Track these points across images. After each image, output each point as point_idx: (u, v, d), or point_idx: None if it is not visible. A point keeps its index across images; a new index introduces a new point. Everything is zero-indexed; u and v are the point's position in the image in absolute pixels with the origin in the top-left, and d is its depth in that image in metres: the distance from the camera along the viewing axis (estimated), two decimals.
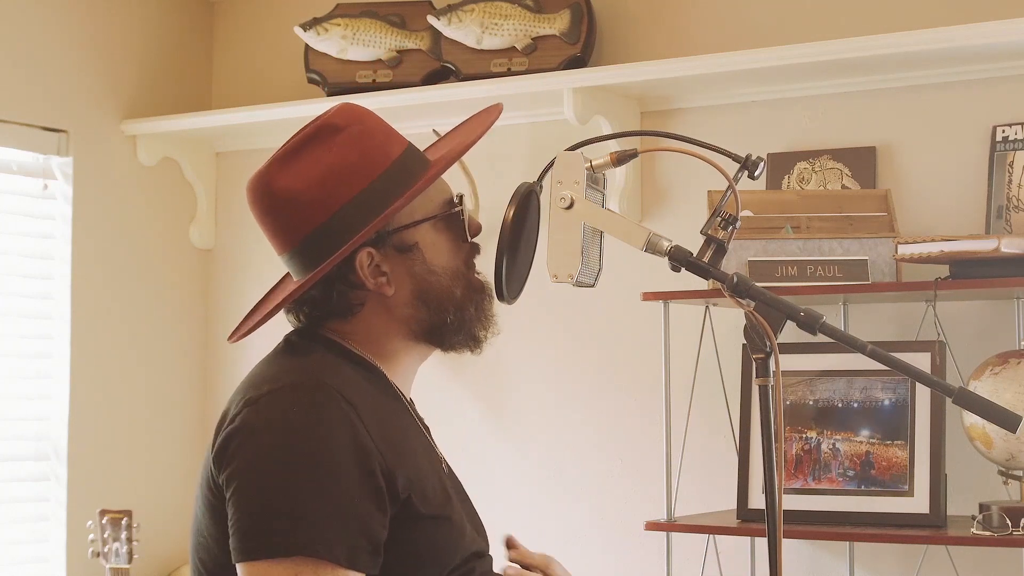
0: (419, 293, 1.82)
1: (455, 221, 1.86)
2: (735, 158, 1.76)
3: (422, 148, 1.94)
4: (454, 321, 1.83)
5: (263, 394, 1.69)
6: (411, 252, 1.81)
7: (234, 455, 1.66)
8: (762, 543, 2.93)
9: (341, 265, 1.78)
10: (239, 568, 1.64)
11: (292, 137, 1.82)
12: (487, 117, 1.93)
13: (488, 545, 1.89)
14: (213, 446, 1.71)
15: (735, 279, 1.72)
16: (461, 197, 1.87)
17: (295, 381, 1.70)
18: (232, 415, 1.70)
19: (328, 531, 1.61)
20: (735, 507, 3.15)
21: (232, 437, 1.67)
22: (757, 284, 1.73)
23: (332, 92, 3.81)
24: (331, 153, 1.78)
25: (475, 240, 1.88)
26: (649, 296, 3.18)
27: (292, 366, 1.77)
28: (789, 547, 3.22)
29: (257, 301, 1.95)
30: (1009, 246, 2.84)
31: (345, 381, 1.73)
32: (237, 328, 1.90)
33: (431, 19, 3.62)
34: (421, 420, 1.92)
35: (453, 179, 1.96)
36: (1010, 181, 3.09)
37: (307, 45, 3.83)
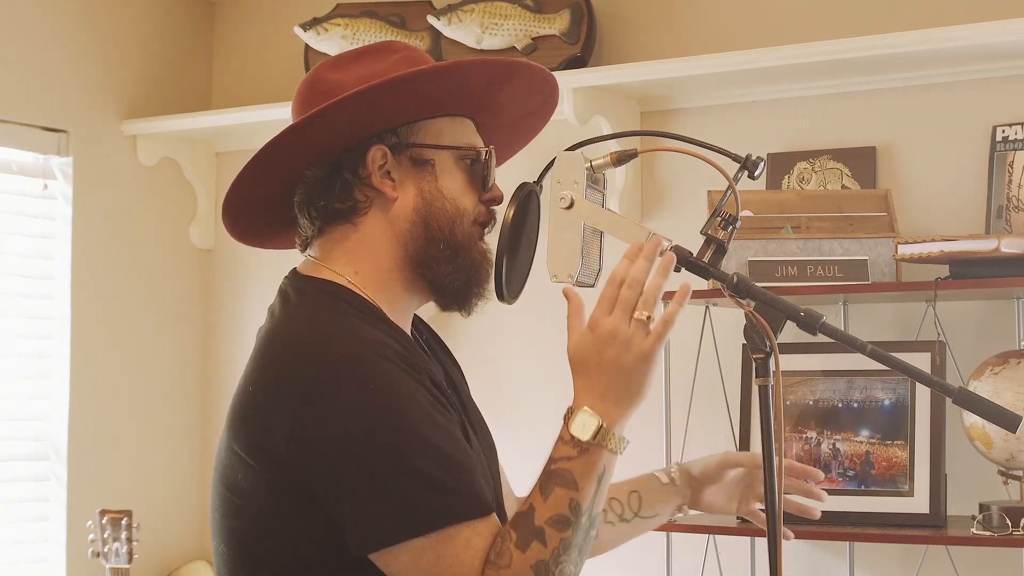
0: (421, 209, 1.80)
1: (476, 167, 1.84)
2: (735, 158, 1.76)
3: None
4: (446, 252, 1.80)
5: (326, 368, 1.66)
6: (424, 168, 1.81)
7: (316, 442, 1.64)
8: (762, 543, 2.93)
9: (352, 155, 1.79)
10: (377, 556, 1.64)
11: (356, 48, 1.88)
12: (548, 107, 1.96)
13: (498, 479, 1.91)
14: (261, 422, 1.69)
15: (735, 279, 1.72)
16: (490, 152, 1.86)
17: (352, 353, 1.67)
18: (289, 392, 1.66)
19: (459, 490, 1.63)
20: None
21: (308, 420, 1.64)
22: (757, 284, 1.73)
23: None
24: (382, 65, 1.81)
25: (493, 207, 1.87)
26: None
27: (326, 331, 1.72)
28: (789, 547, 3.21)
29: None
30: (1009, 246, 2.84)
31: (381, 341, 1.71)
32: (236, 185, 1.88)
33: (431, 19, 3.62)
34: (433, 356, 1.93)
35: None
36: (1010, 181, 3.09)
37: (307, 45, 3.83)
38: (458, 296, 1.84)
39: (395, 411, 1.65)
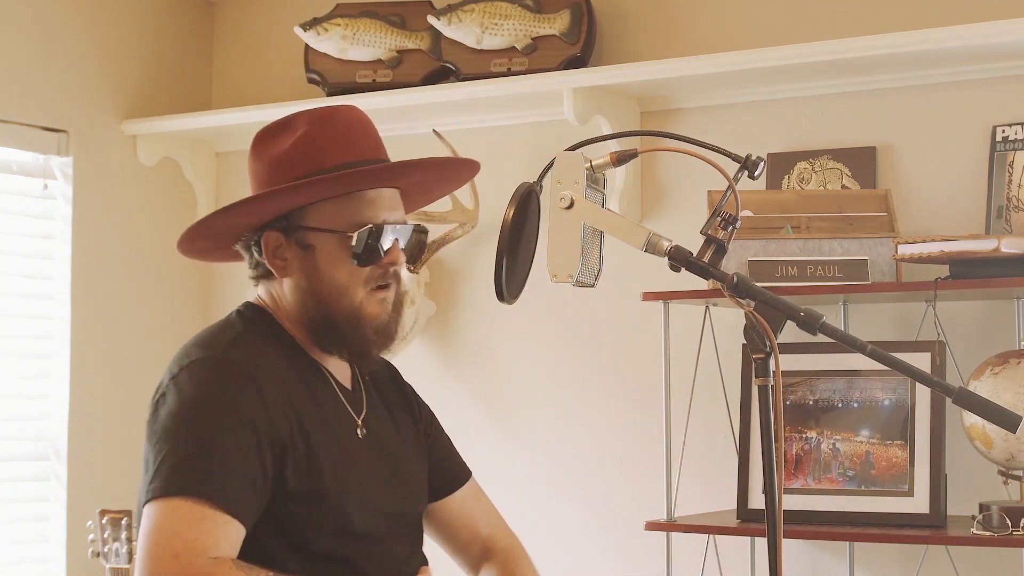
0: (305, 288, 2.03)
1: (361, 244, 1.98)
2: (735, 158, 1.76)
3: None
4: (325, 327, 2.02)
5: (183, 367, 1.97)
6: (308, 252, 2.01)
7: (151, 421, 1.93)
8: (762, 543, 2.93)
9: (255, 237, 2.05)
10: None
11: (282, 118, 2.07)
12: (461, 176, 2.20)
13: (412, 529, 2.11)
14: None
15: (735, 279, 1.72)
16: (375, 228, 1.99)
17: (205, 355, 1.97)
18: (160, 387, 1.97)
19: (209, 476, 1.83)
20: (735, 507, 3.15)
21: (154, 407, 1.95)
22: (757, 284, 1.73)
23: (332, 92, 3.81)
24: (285, 145, 2.04)
25: (389, 268, 2.01)
26: (649, 296, 3.18)
27: (213, 339, 2.03)
28: (789, 547, 3.22)
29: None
30: (1009, 246, 2.84)
31: (252, 354, 1.97)
32: (189, 234, 2.18)
33: (431, 19, 3.62)
34: (369, 394, 2.11)
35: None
36: (1010, 181, 3.09)
37: (307, 45, 3.83)
38: (351, 357, 2.07)
39: (202, 404, 1.90)
